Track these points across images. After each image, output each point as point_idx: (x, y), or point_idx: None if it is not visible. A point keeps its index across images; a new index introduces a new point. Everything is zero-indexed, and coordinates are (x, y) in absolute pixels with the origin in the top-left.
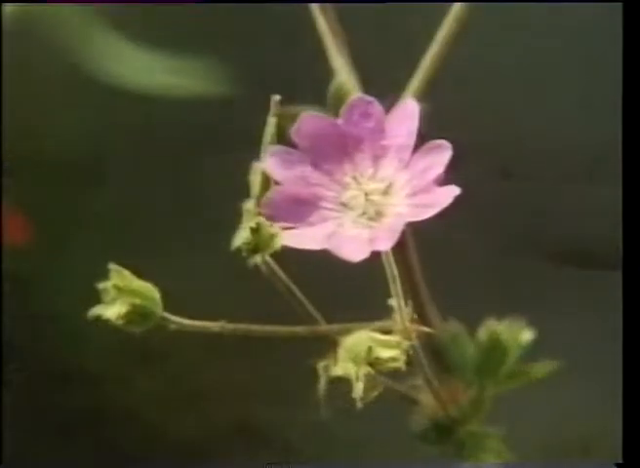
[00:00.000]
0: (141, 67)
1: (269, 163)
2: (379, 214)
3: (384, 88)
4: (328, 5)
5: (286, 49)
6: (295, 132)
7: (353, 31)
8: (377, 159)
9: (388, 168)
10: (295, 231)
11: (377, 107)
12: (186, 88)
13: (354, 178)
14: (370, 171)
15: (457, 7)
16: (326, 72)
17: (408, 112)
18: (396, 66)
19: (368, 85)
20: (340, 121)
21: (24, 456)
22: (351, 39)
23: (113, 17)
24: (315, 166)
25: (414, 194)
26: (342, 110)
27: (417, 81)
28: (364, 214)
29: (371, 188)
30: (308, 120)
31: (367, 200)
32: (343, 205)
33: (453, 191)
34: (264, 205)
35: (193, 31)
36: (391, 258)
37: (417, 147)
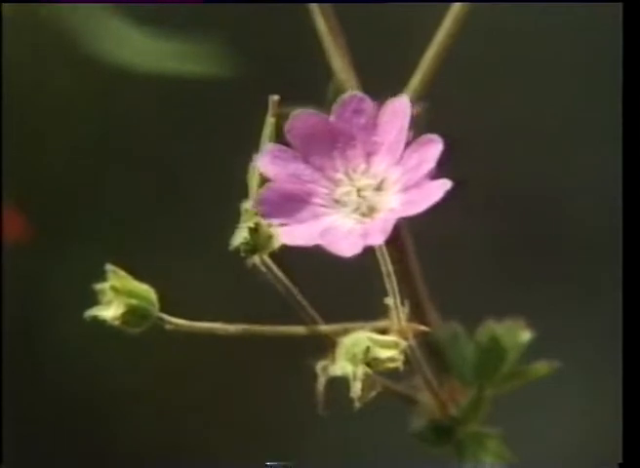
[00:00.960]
0: (146, 52)
1: (262, 160)
2: (371, 210)
3: (384, 88)
4: (328, 5)
5: (286, 49)
6: (287, 129)
7: (353, 31)
8: (369, 155)
9: (381, 164)
10: (287, 228)
11: (368, 104)
12: (190, 73)
13: (346, 175)
14: (362, 167)
15: (456, 6)
16: (326, 72)
17: (399, 108)
18: (396, 66)
19: (367, 85)
20: (332, 118)
21: (24, 456)
22: (351, 39)
23: (120, 6)
24: (307, 162)
25: (406, 189)
26: (335, 107)
27: (416, 81)
28: (357, 209)
29: (363, 184)
30: (300, 117)
31: (359, 196)
32: (336, 201)
33: (444, 185)
34: (257, 202)
35: (195, 29)
36: (386, 254)
37: (408, 143)
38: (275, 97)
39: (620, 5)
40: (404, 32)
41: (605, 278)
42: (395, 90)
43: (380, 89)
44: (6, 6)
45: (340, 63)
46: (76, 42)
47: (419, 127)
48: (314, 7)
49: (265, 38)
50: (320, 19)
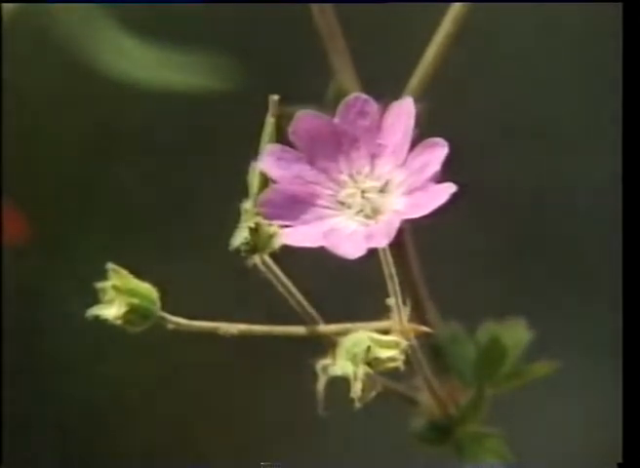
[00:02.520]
0: (145, 63)
1: (266, 162)
2: (375, 212)
3: (384, 88)
4: (327, 5)
5: (286, 48)
6: (291, 130)
7: (353, 31)
8: (373, 157)
9: (385, 166)
10: (291, 229)
11: (373, 106)
12: (190, 84)
13: (351, 177)
14: (366, 169)
15: (455, 6)
16: (326, 72)
17: (404, 110)
18: (396, 66)
19: (367, 85)
20: (336, 120)
21: (24, 457)
22: (351, 39)
23: (117, 12)
24: (312, 164)
25: (410, 192)
26: (339, 109)
27: (416, 81)
28: (361, 211)
29: (367, 186)
30: (304, 119)
31: (363, 198)
32: (340, 203)
33: (449, 188)
34: (261, 203)
35: (197, 27)
36: (389, 256)
37: (413, 145)
38: (275, 97)
39: (620, 5)
40: (404, 32)
41: (605, 278)
42: (395, 90)
43: (380, 89)
44: (6, 6)
45: (340, 63)
46: (76, 51)
47: (418, 127)
48: (314, 7)
49: (265, 39)
50: (320, 19)
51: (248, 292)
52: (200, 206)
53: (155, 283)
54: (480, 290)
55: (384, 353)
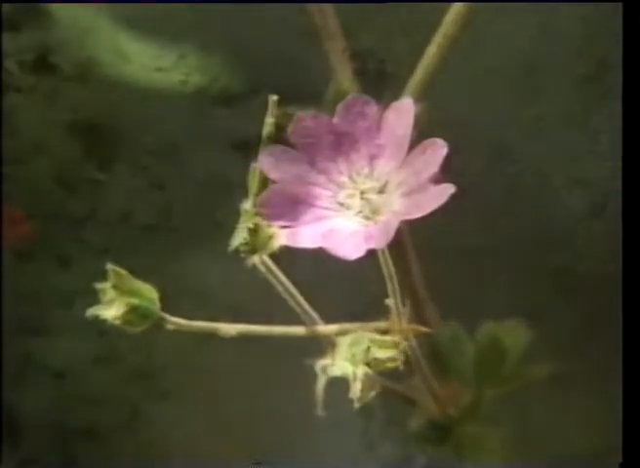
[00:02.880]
0: (145, 63)
1: (265, 162)
2: (374, 213)
3: (384, 88)
4: (327, 5)
5: (286, 48)
6: (291, 131)
7: (353, 31)
8: (372, 158)
9: (384, 167)
10: (291, 230)
11: (372, 107)
12: (189, 84)
13: (350, 177)
14: (366, 170)
15: (455, 7)
16: (326, 72)
17: (403, 111)
18: (396, 66)
19: (366, 85)
20: (335, 120)
21: (24, 456)
22: (351, 39)
23: (117, 12)
24: (311, 165)
25: (409, 193)
26: (338, 109)
27: (416, 81)
28: (360, 212)
29: (367, 187)
30: (304, 119)
31: (363, 199)
32: (339, 204)
33: (448, 189)
34: (261, 204)
35: (196, 27)
36: (388, 257)
37: (412, 146)
38: (274, 98)
39: (620, 5)
40: (404, 32)
41: (605, 279)
42: (395, 90)
43: (380, 89)
44: (6, 6)
45: (340, 63)
46: (76, 51)
47: (418, 127)
48: (314, 7)
49: (265, 39)
50: (320, 19)
51: (247, 292)
52: (200, 206)
53: (155, 283)
54: (480, 290)
55: (384, 353)
